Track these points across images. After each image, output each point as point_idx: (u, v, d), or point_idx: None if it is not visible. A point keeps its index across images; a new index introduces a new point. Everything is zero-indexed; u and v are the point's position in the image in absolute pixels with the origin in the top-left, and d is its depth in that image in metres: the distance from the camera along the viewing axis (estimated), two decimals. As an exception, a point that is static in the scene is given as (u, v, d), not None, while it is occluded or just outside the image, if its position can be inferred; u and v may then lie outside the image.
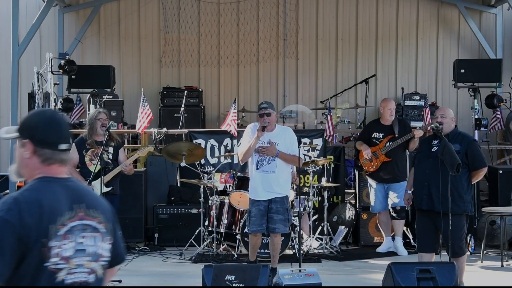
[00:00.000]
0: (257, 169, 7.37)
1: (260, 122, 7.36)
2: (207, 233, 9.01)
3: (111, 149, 8.12)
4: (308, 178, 9.76)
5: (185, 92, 11.61)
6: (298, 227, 8.00)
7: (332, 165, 10.32)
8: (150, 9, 12.87)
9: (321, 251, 9.09)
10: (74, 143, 8.19)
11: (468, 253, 8.47)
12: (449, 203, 6.50)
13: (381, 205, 9.22)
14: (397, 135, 9.10)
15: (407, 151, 9.24)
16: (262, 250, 8.31)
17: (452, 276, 6.18)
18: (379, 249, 9.25)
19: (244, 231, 8.34)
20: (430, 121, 9.60)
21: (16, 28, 9.86)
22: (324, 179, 9.52)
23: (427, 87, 12.59)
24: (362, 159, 9.28)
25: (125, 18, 12.85)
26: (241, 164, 7.30)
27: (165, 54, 12.83)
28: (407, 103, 11.80)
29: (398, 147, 9.07)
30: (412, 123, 10.44)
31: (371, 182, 9.31)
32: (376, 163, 9.17)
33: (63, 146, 2.73)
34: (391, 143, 9.10)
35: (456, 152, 6.56)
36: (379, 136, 9.25)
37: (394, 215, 9.13)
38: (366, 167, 9.27)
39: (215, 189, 9.07)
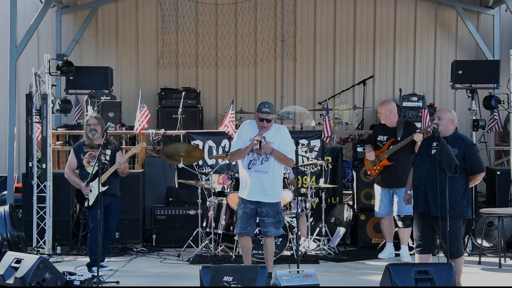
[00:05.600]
0: (249, 168, 7.18)
1: (258, 125, 7.17)
2: (205, 234, 9.01)
3: (108, 152, 8.13)
4: (306, 179, 9.76)
5: (183, 93, 11.62)
6: (296, 228, 7.99)
7: (330, 166, 10.32)
8: (148, 10, 12.86)
9: (319, 252, 9.08)
10: (72, 149, 8.32)
11: (466, 254, 8.47)
12: (446, 206, 6.49)
13: (385, 210, 8.88)
14: (399, 138, 8.76)
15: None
16: (260, 252, 8.29)
17: (450, 277, 6.18)
18: (381, 256, 8.96)
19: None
20: (429, 122, 9.59)
21: (14, 29, 9.84)
22: (322, 180, 9.50)
23: (425, 88, 12.58)
24: (367, 163, 9.01)
25: (123, 20, 12.84)
26: (232, 163, 7.18)
27: (163, 55, 12.82)
28: (405, 104, 11.80)
29: (403, 151, 8.66)
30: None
31: (376, 186, 9.04)
32: (379, 167, 8.86)
33: None
34: (393, 146, 8.77)
35: (454, 155, 6.57)
36: (383, 139, 8.97)
37: (399, 223, 8.79)
38: (370, 171, 9.00)
39: (213, 190, 9.06)
